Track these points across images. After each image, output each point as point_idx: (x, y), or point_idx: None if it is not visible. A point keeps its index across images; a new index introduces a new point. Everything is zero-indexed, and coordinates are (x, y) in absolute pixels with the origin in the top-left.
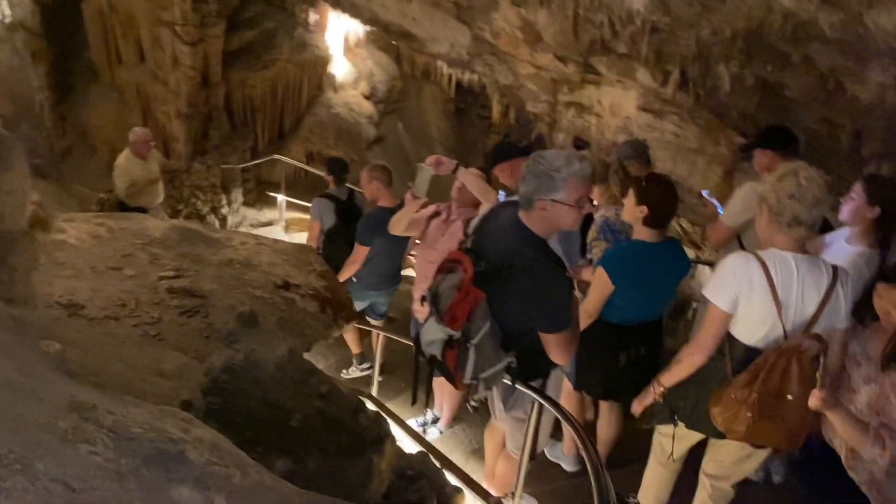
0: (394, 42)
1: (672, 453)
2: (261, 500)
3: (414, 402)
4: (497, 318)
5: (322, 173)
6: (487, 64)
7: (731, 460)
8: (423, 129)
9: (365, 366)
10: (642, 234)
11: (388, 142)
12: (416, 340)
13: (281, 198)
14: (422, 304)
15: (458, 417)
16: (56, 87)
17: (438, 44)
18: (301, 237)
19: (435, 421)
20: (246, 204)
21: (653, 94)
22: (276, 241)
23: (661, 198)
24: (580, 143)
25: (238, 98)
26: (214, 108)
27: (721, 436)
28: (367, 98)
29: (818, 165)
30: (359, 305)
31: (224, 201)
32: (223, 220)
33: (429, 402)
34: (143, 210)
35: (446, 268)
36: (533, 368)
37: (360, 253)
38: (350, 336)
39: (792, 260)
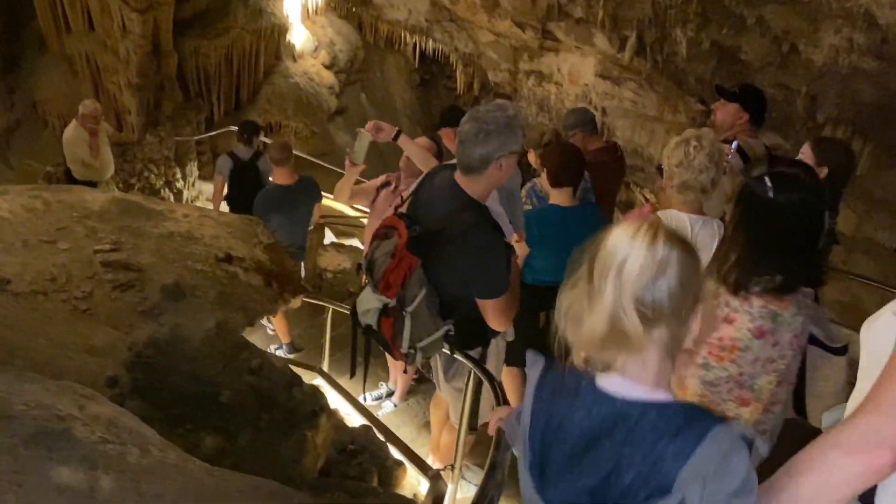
0: (353, 9)
1: None
2: (160, 479)
3: (352, 374)
4: (434, 284)
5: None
6: (447, 31)
7: None
8: (388, 101)
9: (296, 355)
10: (556, 198)
11: (351, 113)
12: (353, 311)
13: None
14: (358, 273)
15: (413, 390)
16: (2, 59)
17: (396, 10)
18: None
19: (390, 394)
20: (202, 178)
21: (610, 61)
22: (221, 213)
23: (559, 160)
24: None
25: (192, 68)
26: (167, 78)
27: None
28: (327, 68)
29: (776, 132)
30: None
31: (178, 175)
32: (178, 194)
33: (367, 373)
34: (92, 184)
35: (381, 234)
36: (472, 336)
37: None
38: (279, 324)
39: (687, 220)
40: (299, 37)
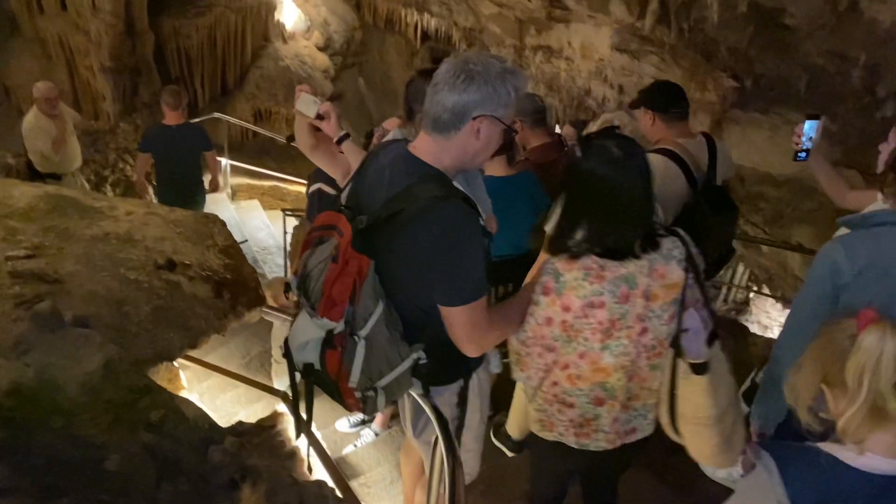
0: None
1: None
2: None
3: (298, 434)
4: (393, 295)
5: (270, 133)
6: (444, 4)
7: None
8: (387, 85)
9: None
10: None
11: (348, 99)
12: (287, 350)
13: (225, 161)
14: (286, 296)
15: (396, 415)
16: None
17: None
18: (249, 205)
19: (370, 420)
20: None
21: (629, 31)
22: (172, 210)
23: None
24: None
25: (171, 49)
26: (143, 62)
27: None
28: (321, 50)
29: (822, 110)
30: None
31: None
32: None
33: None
34: (56, 177)
35: (315, 239)
36: (445, 366)
37: (140, 160)
38: None
39: None
40: (290, 16)
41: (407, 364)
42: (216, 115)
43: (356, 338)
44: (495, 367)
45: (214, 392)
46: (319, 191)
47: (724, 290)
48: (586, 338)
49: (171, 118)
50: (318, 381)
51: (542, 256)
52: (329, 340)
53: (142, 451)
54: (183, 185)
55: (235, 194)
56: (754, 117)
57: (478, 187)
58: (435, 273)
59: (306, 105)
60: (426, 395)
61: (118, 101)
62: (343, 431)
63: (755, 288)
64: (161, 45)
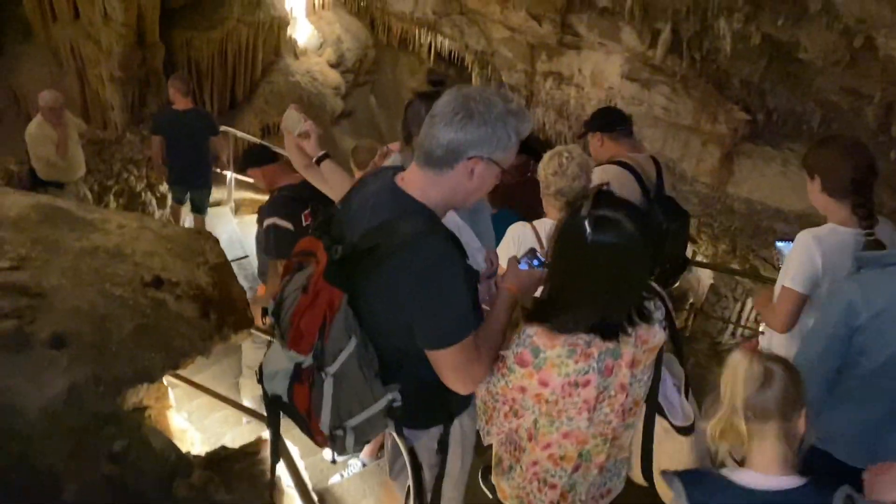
0: (362, 3)
1: None
2: None
3: (273, 466)
4: (368, 331)
5: (276, 148)
6: (456, 26)
7: None
8: (399, 104)
9: None
10: None
11: (358, 116)
12: (260, 375)
13: (230, 175)
14: (263, 320)
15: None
16: None
17: (402, 1)
18: (252, 220)
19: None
20: None
21: (639, 60)
22: (165, 225)
23: None
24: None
25: (181, 61)
26: (153, 73)
27: None
28: (333, 67)
29: None
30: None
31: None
32: (161, 198)
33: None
34: (59, 185)
35: (294, 265)
36: (425, 410)
37: (154, 142)
38: None
39: None
40: (303, 32)
41: (380, 405)
42: (223, 128)
43: (324, 374)
44: None
45: (203, 412)
46: (274, 225)
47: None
48: (571, 417)
49: (181, 103)
50: (287, 412)
51: (511, 294)
52: (297, 374)
53: (102, 483)
54: (192, 167)
55: (239, 208)
56: (766, 151)
57: (482, 220)
58: (416, 315)
59: (292, 122)
60: (401, 436)
61: (126, 111)
62: (329, 461)
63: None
64: (171, 56)
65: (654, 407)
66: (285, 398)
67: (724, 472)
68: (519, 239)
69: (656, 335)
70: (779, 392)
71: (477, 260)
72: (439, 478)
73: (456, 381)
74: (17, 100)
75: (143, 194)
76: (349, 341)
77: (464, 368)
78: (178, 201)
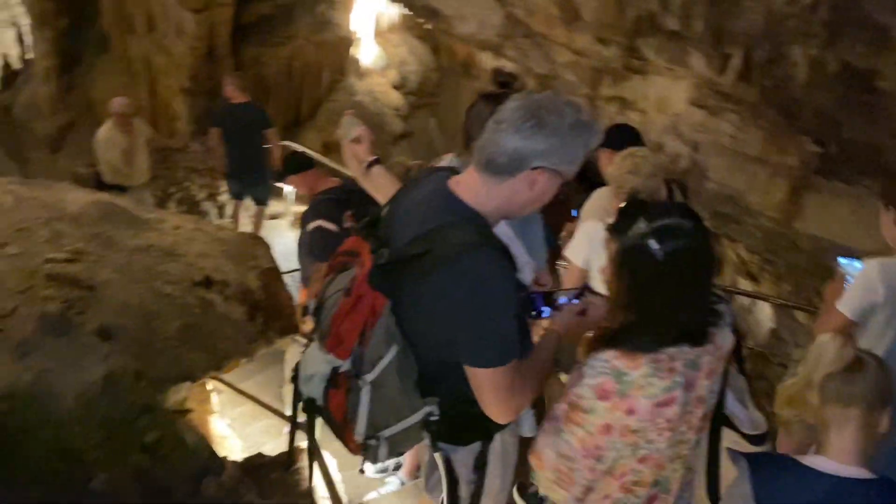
0: (426, 26)
1: None
2: None
3: (289, 463)
4: (410, 340)
5: (337, 165)
6: (520, 48)
7: None
8: (459, 128)
9: None
10: None
11: (417, 138)
12: (295, 377)
13: (289, 189)
14: (303, 319)
15: None
16: (64, 56)
17: (466, 23)
18: None
19: (398, 468)
20: None
21: (707, 86)
22: (220, 228)
23: None
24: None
25: (249, 76)
26: (220, 86)
27: None
28: (396, 88)
29: None
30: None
31: (223, 188)
32: (221, 208)
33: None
34: (122, 189)
35: (339, 265)
36: (464, 425)
37: (212, 134)
38: None
39: None
40: (368, 53)
41: (417, 417)
42: (285, 143)
43: (361, 381)
44: (528, 430)
45: (246, 419)
46: (320, 228)
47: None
48: (651, 440)
49: (237, 97)
50: (322, 416)
51: (559, 336)
52: (334, 379)
53: (131, 474)
54: (247, 159)
55: (297, 221)
56: (837, 187)
57: (534, 232)
58: (460, 329)
59: (347, 127)
60: (437, 450)
61: (192, 122)
62: (367, 476)
63: None
64: (239, 71)
65: (721, 419)
66: (320, 402)
67: (794, 456)
68: (593, 240)
69: (727, 339)
70: (869, 381)
71: (524, 274)
72: (476, 496)
73: (492, 405)
74: (91, 108)
75: (203, 203)
76: (389, 349)
77: (504, 393)
78: (236, 196)
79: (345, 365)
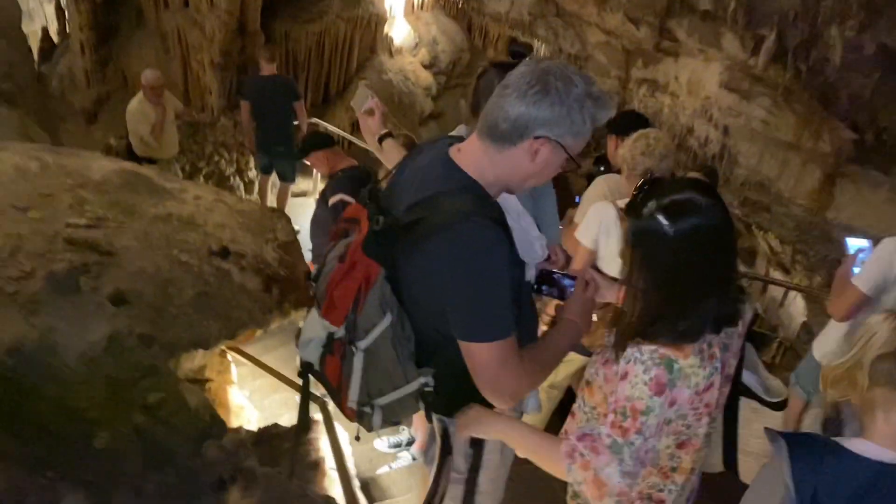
0: (460, 5)
1: None
2: None
3: (300, 430)
4: (406, 308)
5: (365, 144)
6: (551, 27)
7: None
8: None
9: None
10: None
11: (447, 118)
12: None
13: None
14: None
15: None
16: (100, 29)
17: (498, 1)
18: None
19: (411, 443)
20: None
21: (740, 69)
22: (240, 200)
23: None
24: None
25: (280, 52)
26: (250, 61)
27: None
28: (427, 67)
29: None
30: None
31: (252, 163)
32: (249, 184)
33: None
34: (152, 161)
35: (340, 231)
36: (460, 398)
37: (243, 107)
38: None
39: None
40: (400, 31)
41: (412, 387)
42: (314, 120)
43: (354, 348)
44: (532, 407)
45: (265, 391)
46: (342, 201)
47: None
48: (689, 425)
49: (267, 70)
50: (319, 381)
51: (576, 325)
52: (329, 345)
53: (131, 433)
54: (275, 131)
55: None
56: (872, 175)
57: (547, 207)
58: (451, 300)
59: (360, 98)
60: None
61: (223, 97)
62: (380, 450)
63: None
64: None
65: (738, 388)
66: (317, 367)
67: (836, 439)
68: (602, 221)
69: (746, 313)
70: None
71: (535, 249)
72: (474, 469)
73: (485, 383)
74: (126, 81)
75: (231, 178)
76: (384, 317)
77: (494, 370)
78: (263, 170)
79: (339, 331)
